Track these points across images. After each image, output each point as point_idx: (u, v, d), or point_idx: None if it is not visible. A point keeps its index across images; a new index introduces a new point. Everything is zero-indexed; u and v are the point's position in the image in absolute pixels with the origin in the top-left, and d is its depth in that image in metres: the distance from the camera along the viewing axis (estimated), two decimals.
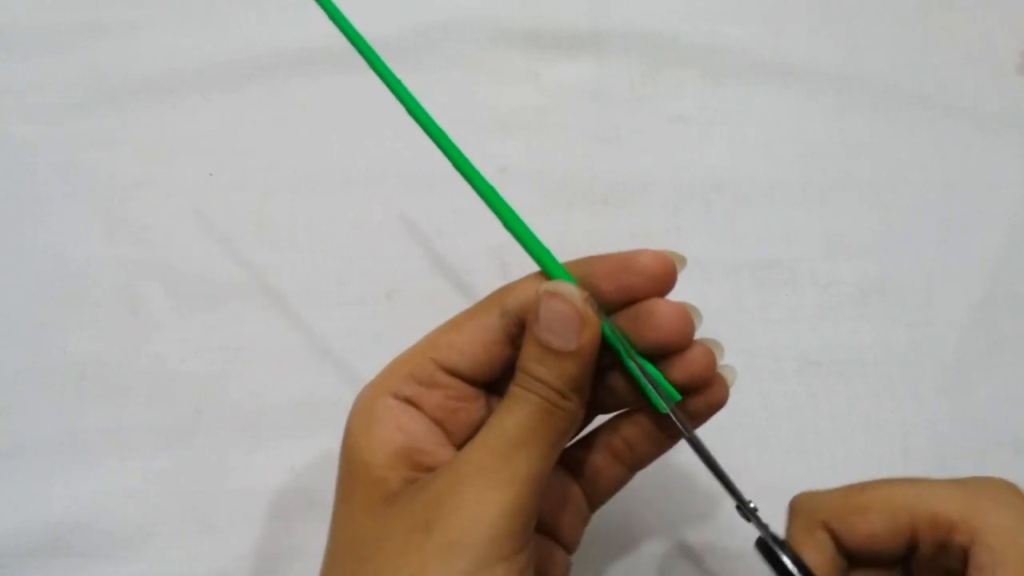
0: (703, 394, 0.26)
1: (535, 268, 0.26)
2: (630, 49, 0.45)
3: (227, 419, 0.37)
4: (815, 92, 0.44)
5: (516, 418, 0.24)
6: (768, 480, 0.37)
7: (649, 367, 0.25)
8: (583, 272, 0.26)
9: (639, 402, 0.27)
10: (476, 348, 0.26)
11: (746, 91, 0.44)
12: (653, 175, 0.42)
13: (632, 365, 0.25)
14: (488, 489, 0.23)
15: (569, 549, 0.28)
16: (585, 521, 0.29)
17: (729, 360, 0.41)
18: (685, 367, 0.25)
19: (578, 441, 0.28)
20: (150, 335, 0.39)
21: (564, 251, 0.41)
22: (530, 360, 0.24)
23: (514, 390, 0.24)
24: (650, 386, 0.25)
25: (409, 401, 0.26)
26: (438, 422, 0.26)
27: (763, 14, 0.46)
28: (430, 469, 0.25)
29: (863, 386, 0.39)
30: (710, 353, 0.26)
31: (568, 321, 0.24)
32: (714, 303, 0.40)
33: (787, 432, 0.38)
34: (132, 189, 0.41)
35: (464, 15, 0.45)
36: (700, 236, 0.42)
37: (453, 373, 0.26)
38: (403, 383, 0.26)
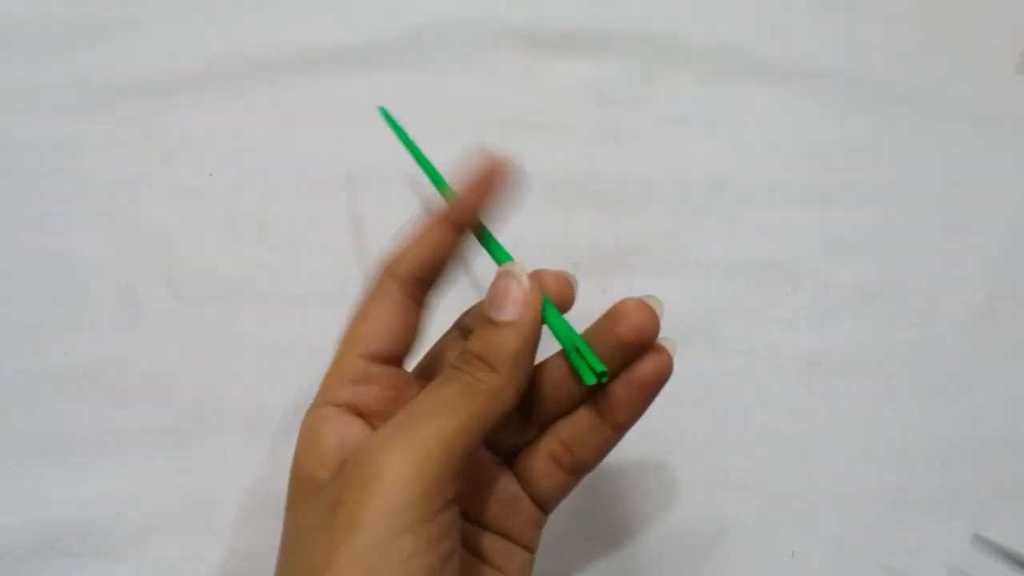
0: (647, 361, 0.26)
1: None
2: (630, 49, 0.45)
3: (227, 419, 0.37)
4: (815, 92, 0.44)
5: (431, 393, 0.25)
6: (769, 480, 0.37)
7: (580, 342, 0.26)
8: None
9: (575, 398, 0.27)
10: (392, 325, 0.27)
11: (746, 91, 0.44)
12: (653, 175, 0.42)
13: (564, 335, 0.26)
14: (387, 460, 0.23)
15: (528, 549, 0.28)
16: (538, 524, 0.28)
17: (729, 360, 0.42)
18: (626, 319, 0.25)
19: (525, 448, 0.28)
20: (150, 335, 0.39)
21: (564, 251, 0.41)
22: (472, 340, 0.25)
23: (445, 371, 0.26)
24: (579, 357, 0.26)
25: (348, 405, 0.27)
26: (382, 415, 0.26)
27: (763, 14, 0.46)
28: None
29: (863, 386, 0.39)
30: (646, 305, 0.26)
31: (515, 298, 0.25)
32: (714, 303, 0.40)
33: (787, 432, 0.38)
34: (132, 189, 0.41)
35: (464, 15, 0.45)
36: (700, 236, 0.42)
37: (383, 360, 0.27)
38: (338, 389, 0.27)
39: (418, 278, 0.27)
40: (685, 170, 0.43)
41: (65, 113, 0.42)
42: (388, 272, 0.27)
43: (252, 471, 0.37)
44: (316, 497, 0.24)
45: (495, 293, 0.25)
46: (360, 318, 0.27)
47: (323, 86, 0.44)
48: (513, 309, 0.25)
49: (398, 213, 0.41)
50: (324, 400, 0.27)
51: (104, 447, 0.37)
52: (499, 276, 0.26)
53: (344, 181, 0.42)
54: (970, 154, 0.44)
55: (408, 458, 0.23)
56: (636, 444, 0.37)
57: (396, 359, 0.28)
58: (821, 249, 0.41)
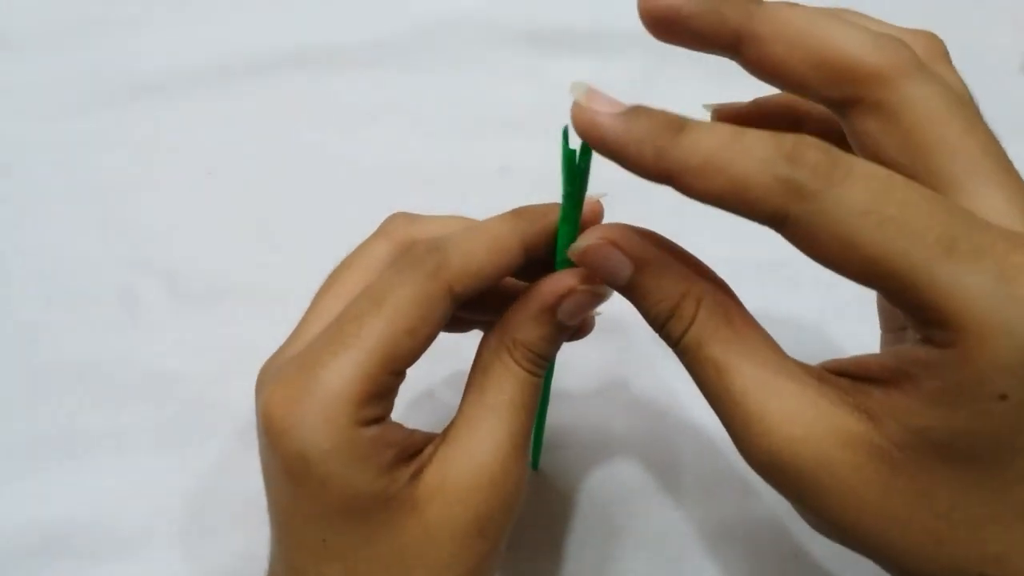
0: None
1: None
2: (630, 49, 0.45)
3: (227, 419, 0.37)
4: None
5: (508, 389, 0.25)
6: None
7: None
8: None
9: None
10: (429, 343, 0.24)
11: (747, 91, 0.44)
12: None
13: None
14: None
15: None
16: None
17: None
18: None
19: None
20: (150, 335, 0.39)
21: None
22: (535, 339, 0.25)
23: (508, 363, 0.25)
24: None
25: (376, 419, 0.24)
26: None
27: None
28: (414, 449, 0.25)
29: None
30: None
31: (588, 309, 0.25)
32: None
33: None
34: (132, 189, 0.41)
35: (464, 15, 0.45)
36: (701, 236, 0.41)
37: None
38: (364, 407, 0.23)
39: (469, 298, 0.24)
40: None
41: (65, 113, 0.42)
42: (448, 287, 0.23)
43: (252, 471, 0.36)
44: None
45: (580, 306, 0.25)
46: (407, 334, 0.23)
47: (323, 86, 0.44)
48: (578, 318, 0.25)
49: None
50: (350, 420, 0.23)
51: (104, 447, 0.37)
52: (587, 293, 0.25)
53: (344, 181, 0.42)
54: None
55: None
56: (636, 444, 0.37)
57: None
58: None
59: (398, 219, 0.28)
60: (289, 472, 0.23)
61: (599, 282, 0.25)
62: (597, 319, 0.29)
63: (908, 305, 0.18)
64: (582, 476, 0.36)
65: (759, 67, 0.22)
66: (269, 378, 0.24)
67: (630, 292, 0.23)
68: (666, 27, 0.23)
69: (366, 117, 0.43)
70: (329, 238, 0.41)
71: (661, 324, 0.22)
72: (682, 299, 0.22)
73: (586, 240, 0.23)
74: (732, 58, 0.23)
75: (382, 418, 0.24)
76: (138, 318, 0.39)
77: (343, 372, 0.22)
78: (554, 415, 0.37)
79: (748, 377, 0.21)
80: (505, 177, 0.42)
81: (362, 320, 0.23)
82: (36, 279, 0.39)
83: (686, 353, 0.22)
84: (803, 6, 0.22)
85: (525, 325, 0.25)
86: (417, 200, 0.41)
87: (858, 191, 0.18)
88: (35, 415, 0.37)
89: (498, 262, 0.24)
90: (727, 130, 0.19)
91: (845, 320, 0.40)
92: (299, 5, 0.45)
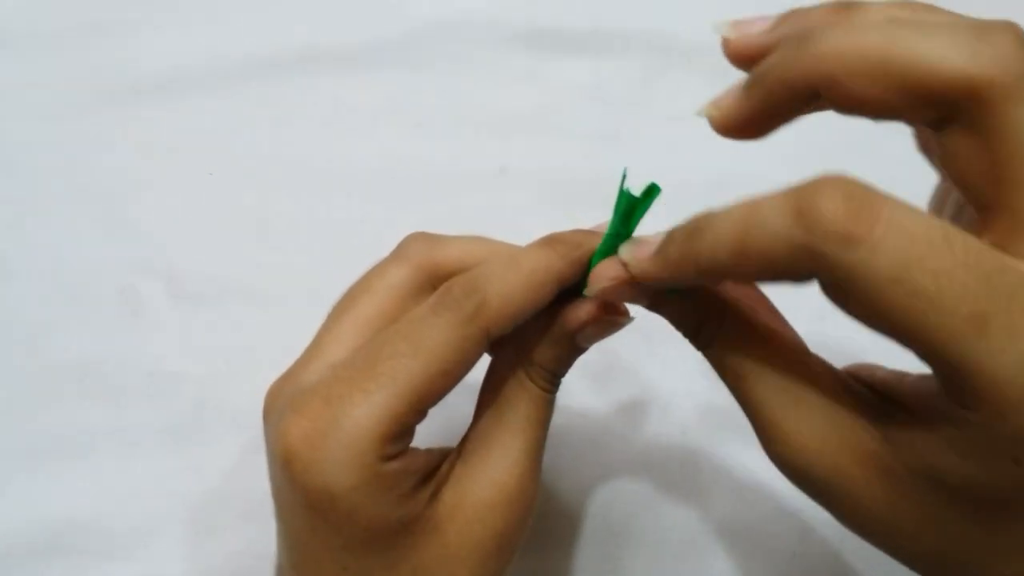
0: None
1: None
2: (630, 49, 0.45)
3: (227, 419, 0.37)
4: None
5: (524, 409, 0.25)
6: (770, 480, 0.37)
7: None
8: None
9: None
10: (462, 378, 0.24)
11: None
12: (653, 175, 0.42)
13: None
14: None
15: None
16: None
17: None
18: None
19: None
20: (150, 335, 0.39)
21: None
22: (552, 360, 0.25)
23: (523, 382, 0.25)
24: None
25: (400, 454, 0.23)
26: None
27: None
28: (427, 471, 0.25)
29: None
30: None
31: (609, 334, 0.26)
32: None
33: None
34: (132, 189, 0.41)
35: (464, 15, 0.45)
36: None
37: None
38: (391, 444, 0.22)
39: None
40: (685, 170, 0.42)
41: (65, 113, 0.42)
42: (485, 331, 0.23)
43: (252, 471, 0.37)
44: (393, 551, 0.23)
45: (601, 332, 0.26)
46: (441, 377, 0.23)
47: (323, 86, 0.44)
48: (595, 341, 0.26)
49: (398, 213, 0.41)
50: (380, 455, 0.22)
51: (104, 447, 0.37)
52: (611, 324, 0.26)
53: (344, 181, 0.42)
54: None
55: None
56: (636, 445, 0.37)
57: None
58: None
59: (417, 241, 0.27)
60: (312, 506, 0.22)
61: (624, 312, 0.25)
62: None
63: (936, 369, 0.18)
64: (582, 476, 0.36)
65: (850, 109, 0.21)
66: (288, 406, 0.23)
67: (657, 311, 0.24)
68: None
69: (366, 117, 0.43)
70: (329, 238, 0.42)
71: (691, 336, 0.23)
72: (707, 314, 0.23)
73: (599, 284, 0.24)
74: (824, 107, 0.22)
75: (405, 451, 0.23)
76: (138, 318, 0.39)
77: (372, 412, 0.22)
78: (553, 415, 0.38)
79: (767, 386, 0.21)
80: (505, 177, 0.42)
81: (397, 361, 0.22)
82: (36, 279, 0.39)
83: (712, 361, 0.23)
84: (865, 21, 0.20)
85: (544, 347, 0.25)
86: (417, 200, 0.42)
87: (887, 255, 0.16)
88: (36, 415, 0.37)
89: (535, 302, 0.24)
90: (741, 211, 0.19)
91: (844, 317, 0.40)
92: (299, 5, 0.45)
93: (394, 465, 0.23)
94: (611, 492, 0.37)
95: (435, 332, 0.23)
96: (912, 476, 0.19)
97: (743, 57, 0.23)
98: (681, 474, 0.37)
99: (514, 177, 0.42)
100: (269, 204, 0.41)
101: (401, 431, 0.23)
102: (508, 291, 0.23)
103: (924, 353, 0.17)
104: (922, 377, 0.21)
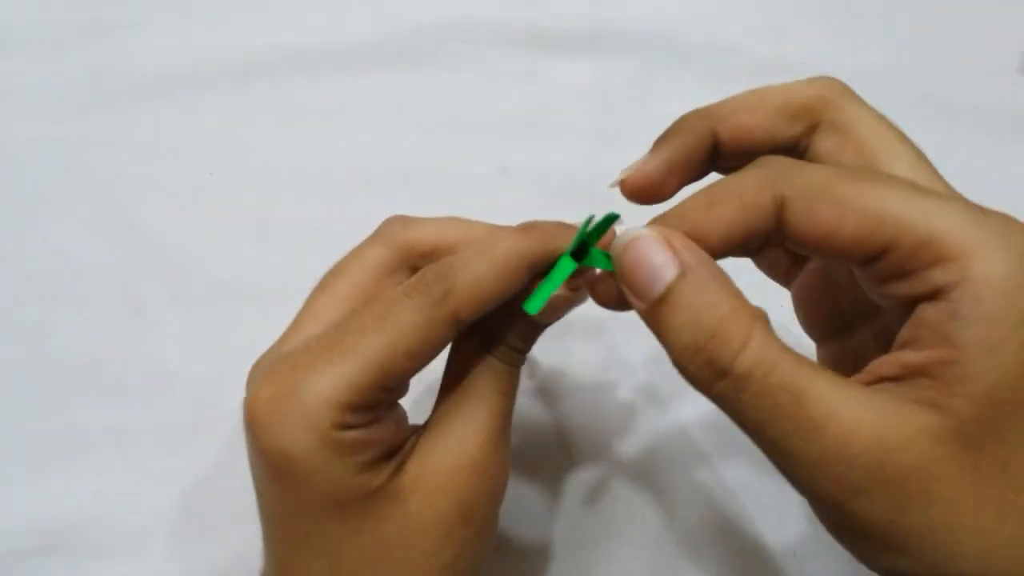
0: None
1: None
2: (630, 49, 0.45)
3: (227, 419, 0.37)
4: None
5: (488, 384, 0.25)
6: (770, 480, 0.37)
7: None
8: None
9: None
10: (428, 360, 0.24)
11: (742, 90, 0.44)
12: None
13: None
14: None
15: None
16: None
17: None
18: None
19: None
20: (150, 335, 0.39)
21: None
22: (513, 337, 0.26)
23: (484, 356, 0.26)
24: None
25: (360, 427, 0.23)
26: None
27: (763, 14, 0.46)
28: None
29: None
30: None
31: (565, 311, 0.26)
32: None
33: None
34: (132, 189, 0.41)
35: (464, 15, 0.45)
36: None
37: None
38: (349, 415, 0.23)
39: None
40: None
41: (65, 113, 0.43)
42: (453, 314, 0.23)
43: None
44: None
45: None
46: (406, 357, 0.23)
47: (323, 86, 0.44)
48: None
49: (398, 213, 0.41)
50: (337, 423, 0.23)
51: (104, 447, 0.37)
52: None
53: (344, 181, 0.42)
54: (971, 153, 0.43)
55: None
56: (636, 445, 0.37)
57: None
58: None
59: (394, 222, 0.28)
60: (271, 467, 0.23)
61: (578, 286, 0.25)
62: (590, 322, 0.29)
63: (904, 255, 0.19)
64: (580, 476, 0.36)
65: (738, 144, 0.25)
66: (259, 373, 0.25)
67: (662, 305, 0.20)
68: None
69: (366, 117, 0.43)
70: (329, 238, 0.41)
71: (699, 347, 0.20)
72: (730, 316, 0.20)
73: (633, 232, 0.21)
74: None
75: (369, 424, 0.24)
76: (139, 318, 0.39)
77: (332, 381, 0.22)
78: (552, 415, 0.38)
79: (830, 400, 0.19)
80: (505, 177, 0.42)
81: (363, 335, 0.23)
82: (36, 279, 0.39)
83: (745, 382, 0.19)
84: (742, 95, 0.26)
85: (503, 324, 0.25)
86: (417, 200, 0.41)
87: None
88: (36, 415, 0.37)
89: (506, 289, 0.24)
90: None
91: None
92: (299, 5, 0.45)
93: (352, 434, 0.23)
94: (610, 492, 0.37)
95: (403, 312, 0.23)
96: (976, 423, 0.18)
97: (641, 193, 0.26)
98: (680, 474, 0.37)
99: (514, 177, 0.42)
100: (269, 204, 0.41)
101: (362, 403, 0.23)
102: (478, 276, 0.23)
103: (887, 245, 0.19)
104: (906, 346, 0.20)
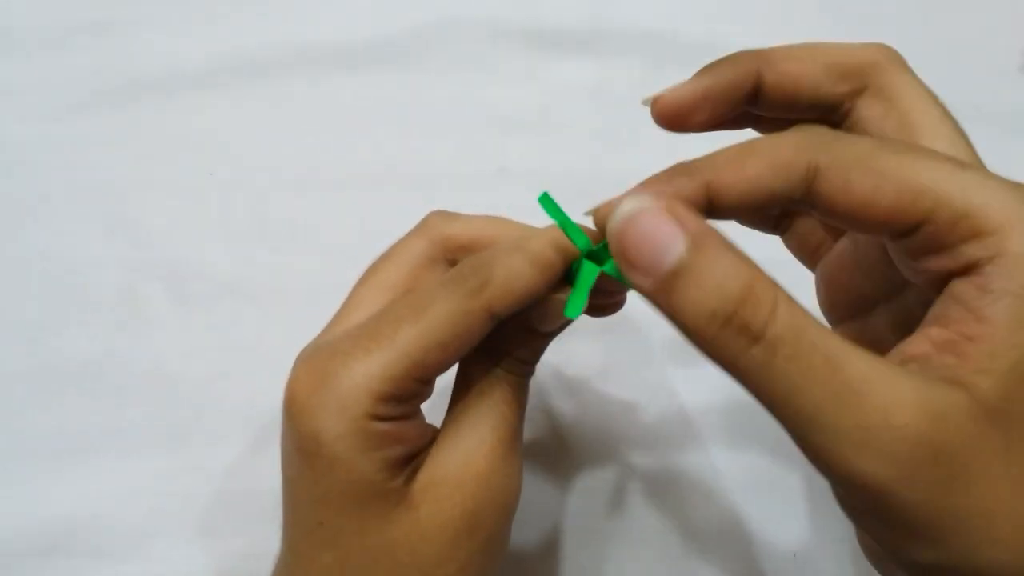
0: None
1: None
2: (630, 49, 0.45)
3: (227, 419, 0.37)
4: None
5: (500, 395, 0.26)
6: (770, 480, 0.37)
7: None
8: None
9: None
10: (461, 352, 0.24)
11: None
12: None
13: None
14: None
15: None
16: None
17: None
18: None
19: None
20: (150, 335, 0.39)
21: None
22: (518, 347, 0.26)
23: (492, 369, 0.26)
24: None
25: (393, 418, 0.24)
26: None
27: (763, 14, 0.46)
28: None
29: None
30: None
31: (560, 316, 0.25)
32: None
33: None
34: (132, 189, 0.41)
35: (464, 15, 0.45)
36: None
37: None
38: (383, 405, 0.23)
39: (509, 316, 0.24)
40: None
41: (65, 113, 0.43)
42: (488, 308, 0.24)
43: (251, 471, 0.37)
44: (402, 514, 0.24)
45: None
46: (439, 348, 0.23)
47: (323, 86, 0.44)
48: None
49: (398, 213, 0.41)
50: (370, 412, 0.23)
51: (104, 447, 0.37)
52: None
53: (344, 181, 0.42)
54: None
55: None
56: (636, 446, 0.37)
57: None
58: None
59: (436, 216, 0.29)
60: (301, 450, 0.23)
61: (621, 289, 0.25)
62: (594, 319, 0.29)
63: (940, 229, 0.19)
64: (581, 476, 0.36)
65: (783, 91, 0.24)
66: (302, 359, 0.25)
67: (677, 278, 0.18)
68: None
69: (366, 117, 0.43)
70: (329, 238, 0.42)
71: (729, 314, 0.18)
72: (754, 281, 0.18)
73: (634, 203, 0.19)
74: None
75: (399, 418, 0.24)
76: (139, 318, 0.39)
77: (368, 370, 0.23)
78: (554, 415, 0.38)
79: (865, 368, 0.18)
80: (504, 177, 0.42)
81: (399, 325, 0.23)
82: (37, 279, 0.39)
83: (778, 345, 0.18)
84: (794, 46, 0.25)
85: (510, 336, 0.26)
86: (417, 200, 0.41)
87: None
88: (36, 415, 0.37)
89: (541, 285, 0.24)
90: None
91: None
92: (299, 5, 0.45)
93: (383, 426, 0.23)
94: (610, 492, 0.37)
95: (438, 303, 0.23)
96: (1003, 400, 0.18)
97: (673, 115, 0.25)
98: (681, 474, 0.37)
99: (514, 177, 0.42)
100: (269, 204, 0.41)
101: (395, 393, 0.23)
102: (515, 272, 0.24)
103: (926, 215, 0.19)
104: (933, 323, 0.20)
